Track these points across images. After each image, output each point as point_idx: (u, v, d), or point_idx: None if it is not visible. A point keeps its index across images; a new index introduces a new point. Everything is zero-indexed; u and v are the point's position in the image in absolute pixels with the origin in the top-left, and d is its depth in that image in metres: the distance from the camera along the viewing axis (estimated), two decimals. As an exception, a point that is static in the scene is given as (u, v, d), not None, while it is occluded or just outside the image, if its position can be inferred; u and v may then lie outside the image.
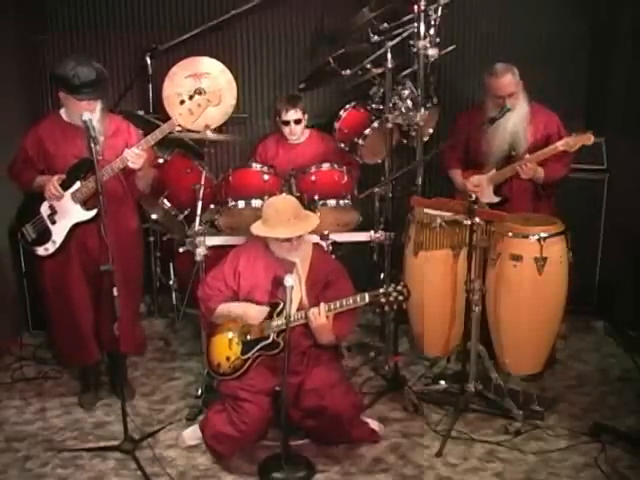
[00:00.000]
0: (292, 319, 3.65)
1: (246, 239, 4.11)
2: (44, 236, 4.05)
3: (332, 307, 3.72)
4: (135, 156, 3.91)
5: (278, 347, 3.78)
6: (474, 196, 3.97)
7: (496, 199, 4.55)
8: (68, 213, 4.00)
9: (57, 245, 4.04)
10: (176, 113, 4.03)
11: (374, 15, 4.66)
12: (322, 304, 3.71)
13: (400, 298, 3.69)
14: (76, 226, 4.02)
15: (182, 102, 4.03)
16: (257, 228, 3.81)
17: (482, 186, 4.55)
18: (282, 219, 3.74)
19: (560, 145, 4.32)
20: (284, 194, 4.20)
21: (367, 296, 3.71)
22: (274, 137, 4.88)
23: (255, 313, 3.82)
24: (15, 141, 4.14)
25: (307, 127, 4.82)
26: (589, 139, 4.29)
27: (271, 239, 3.80)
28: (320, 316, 3.70)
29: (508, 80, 4.38)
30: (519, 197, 4.55)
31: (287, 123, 4.70)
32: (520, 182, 4.50)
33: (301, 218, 3.82)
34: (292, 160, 4.68)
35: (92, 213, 3.97)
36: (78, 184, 3.96)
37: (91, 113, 3.84)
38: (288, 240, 3.74)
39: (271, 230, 3.76)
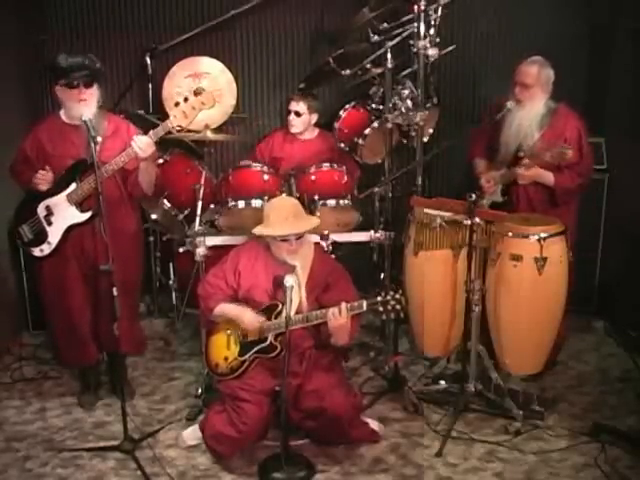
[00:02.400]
0: (292, 321, 3.62)
1: (248, 239, 4.11)
2: (40, 237, 4.03)
3: (349, 308, 3.67)
4: (146, 144, 3.83)
5: (275, 350, 3.77)
6: (474, 196, 3.97)
7: (501, 199, 4.52)
8: (63, 215, 3.99)
9: (52, 246, 4.02)
10: (170, 116, 3.93)
11: (374, 15, 4.67)
12: (343, 304, 3.67)
13: (397, 307, 3.68)
14: (71, 228, 4.00)
15: (177, 104, 3.94)
16: (257, 228, 3.81)
17: (493, 182, 4.52)
18: (280, 217, 3.74)
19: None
20: (284, 195, 4.22)
21: (364, 304, 3.70)
22: (281, 132, 4.92)
23: (249, 320, 3.80)
24: (15, 141, 4.13)
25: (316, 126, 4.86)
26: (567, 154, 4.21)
27: (270, 239, 3.80)
28: (341, 316, 3.66)
29: (529, 70, 4.32)
30: (526, 202, 4.49)
31: (289, 112, 4.77)
32: (528, 187, 4.45)
33: (300, 218, 3.81)
34: (298, 154, 4.70)
35: (86, 215, 3.95)
36: (74, 185, 3.94)
37: (86, 106, 3.82)
38: (286, 240, 3.74)
39: (269, 228, 3.77)
